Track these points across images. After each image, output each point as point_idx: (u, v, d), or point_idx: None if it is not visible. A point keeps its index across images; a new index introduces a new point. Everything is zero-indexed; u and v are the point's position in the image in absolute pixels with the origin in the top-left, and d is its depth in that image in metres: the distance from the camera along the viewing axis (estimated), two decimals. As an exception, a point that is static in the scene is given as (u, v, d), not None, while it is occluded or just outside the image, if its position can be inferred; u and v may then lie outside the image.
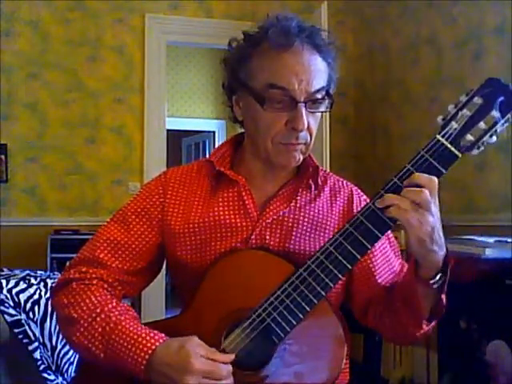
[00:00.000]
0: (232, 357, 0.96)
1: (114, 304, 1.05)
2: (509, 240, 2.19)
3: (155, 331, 0.99)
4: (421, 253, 0.94)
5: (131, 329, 0.99)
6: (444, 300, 1.03)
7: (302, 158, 1.09)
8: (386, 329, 1.12)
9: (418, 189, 0.90)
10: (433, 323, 1.06)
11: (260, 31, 1.07)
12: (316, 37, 1.05)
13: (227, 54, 1.13)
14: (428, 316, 1.04)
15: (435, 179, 0.91)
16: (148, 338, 0.96)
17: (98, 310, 1.03)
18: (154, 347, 0.95)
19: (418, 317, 1.03)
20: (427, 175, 0.91)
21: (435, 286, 0.98)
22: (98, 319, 1.02)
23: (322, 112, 1.08)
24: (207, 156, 1.20)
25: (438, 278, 0.97)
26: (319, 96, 1.05)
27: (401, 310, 1.05)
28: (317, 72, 1.04)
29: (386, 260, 1.15)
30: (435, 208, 0.91)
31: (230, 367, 0.94)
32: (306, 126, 1.03)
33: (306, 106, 1.03)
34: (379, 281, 1.14)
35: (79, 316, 1.03)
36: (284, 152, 1.06)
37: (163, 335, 0.98)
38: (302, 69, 1.02)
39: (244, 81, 1.07)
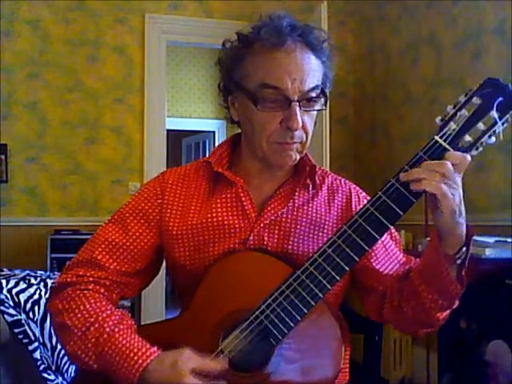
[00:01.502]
0: (225, 363, 0.95)
1: (109, 312, 1.04)
2: (509, 240, 2.19)
3: (148, 345, 0.98)
4: (450, 226, 0.93)
5: (124, 342, 0.98)
6: (465, 277, 1.00)
7: (298, 157, 1.08)
8: (405, 319, 1.09)
9: (440, 161, 0.90)
10: (455, 304, 1.04)
11: (253, 31, 1.07)
12: (309, 35, 1.05)
13: (221, 55, 1.13)
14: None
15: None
16: (140, 353, 0.96)
17: (92, 319, 1.02)
18: (145, 364, 0.94)
19: (444, 296, 1.01)
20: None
21: (458, 261, 0.97)
22: (92, 329, 1.01)
23: (316, 110, 1.07)
24: (207, 156, 1.20)
25: (462, 251, 0.96)
26: (313, 94, 1.04)
27: (424, 293, 1.02)
28: (310, 70, 1.03)
29: (388, 251, 1.14)
30: (459, 179, 0.91)
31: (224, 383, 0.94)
32: (300, 124, 1.02)
33: (300, 105, 1.02)
34: (386, 272, 1.12)
35: (73, 324, 1.02)
36: (280, 151, 1.06)
37: (156, 349, 0.97)
38: (294, 68, 1.02)
39: (238, 81, 1.07)
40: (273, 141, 1.05)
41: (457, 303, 1.04)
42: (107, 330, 1.00)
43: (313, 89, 1.04)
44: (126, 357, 0.95)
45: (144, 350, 0.96)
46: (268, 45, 1.02)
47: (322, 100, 1.06)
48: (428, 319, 1.06)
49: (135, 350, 0.96)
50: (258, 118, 1.04)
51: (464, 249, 0.96)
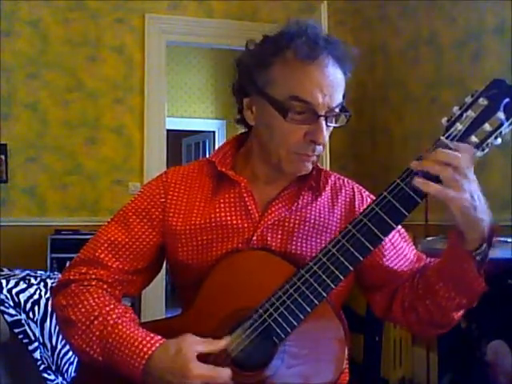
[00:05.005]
0: (227, 341, 0.96)
1: (112, 306, 1.04)
2: (509, 240, 2.19)
3: (152, 334, 0.98)
4: (467, 223, 0.92)
5: (128, 332, 0.98)
6: (483, 276, 0.99)
7: (311, 168, 1.09)
8: (417, 319, 1.08)
9: (454, 153, 0.88)
10: (475, 302, 1.03)
11: (283, 38, 1.04)
12: (338, 50, 1.05)
13: (243, 56, 1.11)
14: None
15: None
16: (144, 342, 0.96)
17: (96, 313, 1.02)
18: (150, 352, 0.94)
19: (464, 293, 1.00)
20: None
21: (478, 257, 0.95)
22: (96, 322, 1.01)
23: (337, 126, 1.07)
24: (207, 156, 1.20)
25: (482, 248, 0.95)
26: (337, 110, 1.05)
27: (441, 291, 1.01)
28: (338, 86, 1.04)
29: (397, 249, 1.13)
30: (471, 173, 0.90)
31: (229, 371, 0.94)
32: (326, 139, 1.03)
33: (326, 120, 1.03)
34: (396, 270, 1.12)
35: (77, 318, 1.03)
36: (297, 161, 1.06)
37: (160, 338, 0.97)
38: (326, 83, 1.01)
39: (262, 87, 1.05)
40: (293, 151, 1.05)
41: (476, 302, 1.03)
42: (111, 322, 1.01)
43: (338, 105, 1.04)
44: (130, 346, 0.96)
45: (148, 338, 0.96)
46: (302, 57, 1.01)
47: (343, 116, 1.07)
48: (442, 319, 1.06)
49: (140, 339, 0.96)
50: (282, 128, 1.03)
51: (484, 246, 0.95)
